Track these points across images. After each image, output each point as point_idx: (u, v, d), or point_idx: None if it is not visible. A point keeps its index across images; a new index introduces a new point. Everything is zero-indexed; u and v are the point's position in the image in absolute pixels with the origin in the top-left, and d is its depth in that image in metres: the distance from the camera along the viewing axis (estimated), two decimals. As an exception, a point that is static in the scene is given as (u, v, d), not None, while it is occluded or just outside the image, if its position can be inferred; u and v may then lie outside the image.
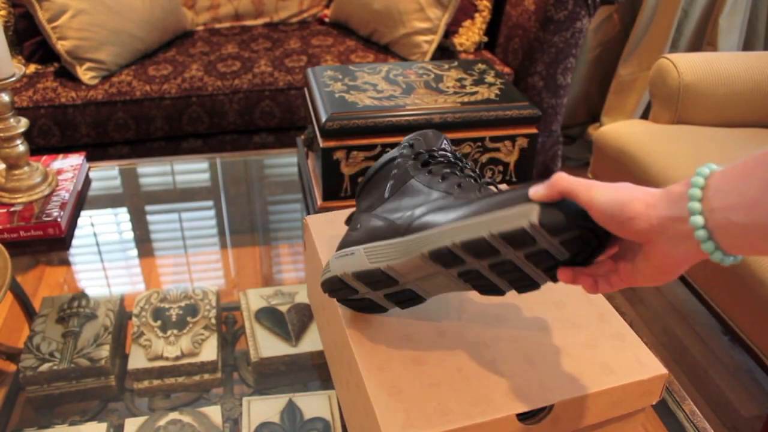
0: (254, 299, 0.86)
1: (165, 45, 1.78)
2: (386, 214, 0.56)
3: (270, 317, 0.83)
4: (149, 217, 1.09)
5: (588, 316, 0.61)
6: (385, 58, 1.73)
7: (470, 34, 1.84)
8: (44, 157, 1.12)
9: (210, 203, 1.13)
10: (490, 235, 0.46)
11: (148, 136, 1.63)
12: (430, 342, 0.58)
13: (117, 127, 1.59)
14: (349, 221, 0.62)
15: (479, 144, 0.96)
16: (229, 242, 1.03)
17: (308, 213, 0.99)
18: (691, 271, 1.23)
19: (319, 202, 0.96)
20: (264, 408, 0.70)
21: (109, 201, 1.14)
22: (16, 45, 1.65)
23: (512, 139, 0.97)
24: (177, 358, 0.76)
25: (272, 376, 0.76)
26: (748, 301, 1.07)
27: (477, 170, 0.58)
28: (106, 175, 1.20)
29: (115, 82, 1.59)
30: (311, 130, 1.02)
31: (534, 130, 0.98)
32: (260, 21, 1.95)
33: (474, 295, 0.62)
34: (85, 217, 1.06)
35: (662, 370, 0.56)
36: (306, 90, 1.06)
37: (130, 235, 1.06)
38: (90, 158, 1.19)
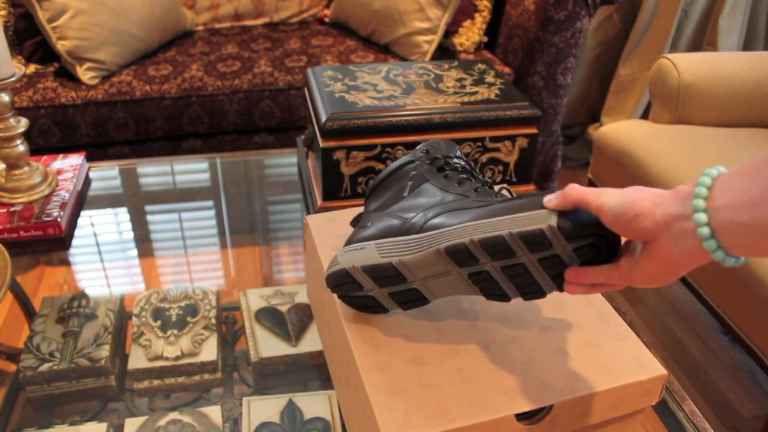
0: (254, 299, 0.86)
1: (165, 45, 1.78)
2: (400, 212, 0.57)
3: (270, 317, 0.83)
4: (149, 217, 1.09)
5: (588, 316, 0.61)
6: (385, 58, 1.73)
7: (470, 34, 1.84)
8: (44, 157, 1.12)
9: (210, 203, 1.13)
10: (509, 234, 0.48)
11: (148, 136, 1.63)
12: (430, 342, 0.58)
13: (117, 127, 1.59)
14: (355, 222, 0.62)
15: (479, 144, 0.96)
16: (229, 242, 1.03)
17: (308, 213, 0.99)
18: (691, 271, 1.23)
19: (319, 202, 0.96)
20: (264, 408, 0.70)
21: (109, 201, 1.14)
22: (16, 45, 1.65)
23: (512, 139, 0.97)
24: (177, 358, 0.76)
25: (272, 376, 0.76)
26: (748, 301, 1.07)
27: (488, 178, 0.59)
28: (106, 175, 1.20)
29: (115, 82, 1.59)
30: (311, 130, 1.02)
31: (534, 130, 0.98)
32: (260, 21, 1.95)
33: (474, 296, 0.62)
34: (85, 217, 1.06)
35: (662, 371, 0.56)
36: (306, 90, 1.06)
37: (130, 235, 1.06)
38: (90, 158, 1.19)
